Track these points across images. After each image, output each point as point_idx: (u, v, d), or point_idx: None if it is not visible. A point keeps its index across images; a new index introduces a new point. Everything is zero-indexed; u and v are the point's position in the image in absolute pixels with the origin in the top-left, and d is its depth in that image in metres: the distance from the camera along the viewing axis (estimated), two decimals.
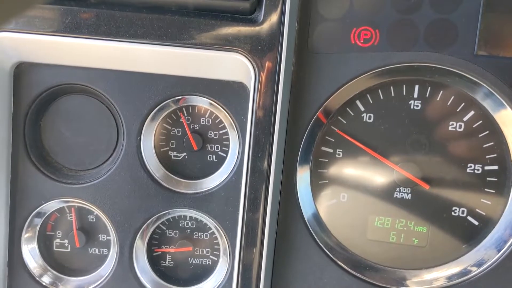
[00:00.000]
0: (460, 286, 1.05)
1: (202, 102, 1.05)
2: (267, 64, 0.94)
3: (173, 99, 1.02)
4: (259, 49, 0.93)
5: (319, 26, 0.99)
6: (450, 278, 1.07)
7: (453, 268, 1.07)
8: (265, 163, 0.97)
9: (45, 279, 1.11)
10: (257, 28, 0.93)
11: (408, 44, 0.98)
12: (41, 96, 1.03)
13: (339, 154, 1.08)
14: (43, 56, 0.99)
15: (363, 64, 0.99)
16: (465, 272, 1.06)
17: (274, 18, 0.93)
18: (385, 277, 1.09)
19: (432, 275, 1.09)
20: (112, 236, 1.08)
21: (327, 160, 1.09)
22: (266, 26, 0.93)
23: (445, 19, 0.96)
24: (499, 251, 1.03)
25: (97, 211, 1.06)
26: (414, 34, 0.97)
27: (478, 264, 1.05)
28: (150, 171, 1.05)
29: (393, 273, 1.10)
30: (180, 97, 1.03)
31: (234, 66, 0.96)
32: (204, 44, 0.94)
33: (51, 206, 1.09)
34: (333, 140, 1.08)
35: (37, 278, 1.10)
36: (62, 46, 0.95)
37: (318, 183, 1.09)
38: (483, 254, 1.05)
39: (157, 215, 1.06)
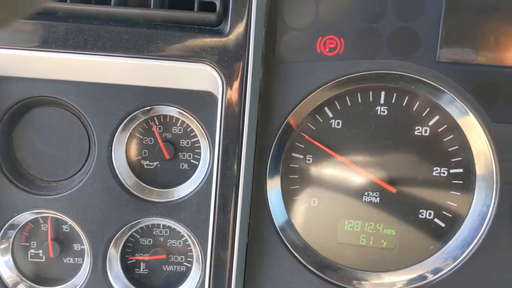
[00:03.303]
0: (427, 287, 1.08)
1: (172, 112, 1.07)
2: (234, 74, 0.96)
3: (142, 110, 1.03)
4: (226, 60, 0.95)
5: (285, 35, 1.01)
6: (421, 277, 1.10)
7: (420, 270, 1.10)
8: (235, 171, 0.99)
9: None
10: (224, 39, 0.95)
11: (372, 52, 1.00)
12: (13, 109, 1.04)
13: (309, 160, 1.11)
14: (13, 70, 1.00)
15: (329, 72, 1.01)
16: (434, 271, 1.09)
17: (240, 29, 0.95)
18: (354, 280, 1.11)
19: (401, 277, 1.11)
20: (86, 246, 1.09)
21: (297, 166, 1.11)
22: (232, 37, 0.95)
23: (407, 27, 0.99)
24: (463, 252, 1.06)
25: (70, 221, 1.07)
26: (378, 42, 1.00)
27: (443, 267, 1.08)
28: (122, 180, 1.06)
29: (363, 276, 1.12)
30: (151, 107, 1.04)
31: (202, 77, 0.98)
32: (172, 56, 0.95)
33: (24, 217, 1.09)
34: (303, 146, 1.10)
35: None
36: (32, 60, 0.96)
37: (289, 189, 1.12)
38: (448, 256, 1.08)
39: (129, 224, 1.07)
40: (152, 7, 0.96)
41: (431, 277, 1.08)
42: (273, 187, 1.10)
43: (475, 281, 1.05)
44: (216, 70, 0.95)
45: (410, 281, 1.10)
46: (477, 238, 1.05)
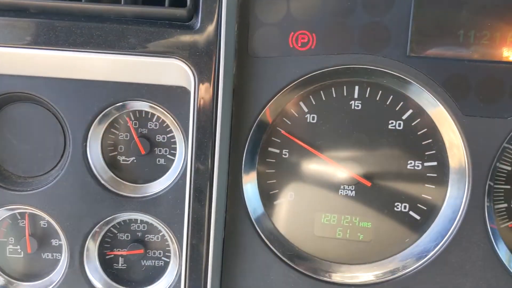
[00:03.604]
0: (402, 278, 1.09)
1: (147, 107, 1.07)
2: (206, 69, 0.96)
3: (116, 106, 1.04)
4: (197, 55, 0.96)
5: (258, 30, 1.02)
6: (396, 269, 1.11)
7: (395, 262, 1.11)
8: (209, 165, 1.00)
9: None
10: (195, 34, 0.95)
11: (343, 47, 1.01)
12: None
13: (285, 155, 1.11)
14: None
15: (301, 67, 1.02)
16: (409, 263, 1.10)
17: (210, 24, 0.95)
18: (330, 272, 1.12)
19: (377, 269, 1.13)
20: (63, 241, 1.10)
21: (274, 161, 1.12)
22: (203, 32, 0.95)
23: (377, 22, 1.00)
24: (437, 244, 1.07)
25: (46, 217, 1.08)
26: (349, 37, 1.00)
27: (417, 259, 1.09)
28: (97, 176, 1.07)
29: (339, 268, 1.13)
30: (124, 102, 1.05)
31: (174, 72, 0.98)
32: (143, 51, 0.96)
33: (0, 213, 1.10)
34: (279, 141, 1.11)
35: None
36: (4, 56, 0.97)
37: (265, 183, 1.12)
38: (423, 248, 1.09)
39: (106, 219, 1.08)
40: (122, 2, 0.97)
41: (405, 270, 1.09)
42: (249, 181, 1.11)
43: (448, 273, 1.06)
44: (187, 65, 0.96)
45: (386, 273, 1.11)
46: (450, 230, 1.06)
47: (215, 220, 1.03)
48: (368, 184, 1.09)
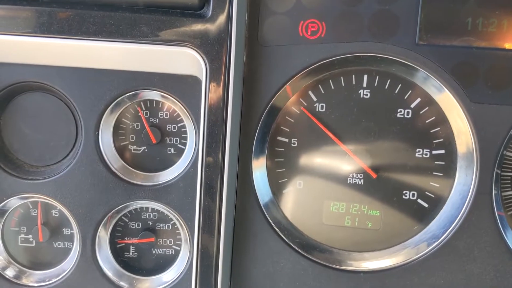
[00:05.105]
0: (412, 265, 1.10)
1: (158, 97, 1.08)
2: (217, 58, 0.97)
3: (128, 95, 1.05)
4: (209, 43, 0.96)
5: (268, 19, 1.02)
6: (404, 255, 1.12)
7: (404, 250, 1.12)
8: (219, 154, 1.01)
9: (9, 272, 1.14)
10: (206, 23, 0.96)
11: (353, 35, 1.02)
12: None
13: (294, 143, 1.12)
14: None
15: (311, 55, 1.03)
16: (417, 250, 1.11)
17: (222, 12, 0.96)
18: (340, 260, 1.13)
19: (385, 256, 1.13)
20: (75, 229, 1.11)
21: (283, 150, 1.13)
22: (214, 20, 0.96)
23: (387, 10, 1.00)
24: (445, 231, 1.08)
25: (58, 205, 1.09)
26: (358, 25, 1.01)
27: (426, 246, 1.09)
28: (109, 164, 1.08)
29: (348, 256, 1.14)
30: (137, 91, 1.06)
31: (186, 60, 0.99)
32: (155, 40, 0.96)
33: (13, 202, 1.11)
34: (288, 130, 1.12)
35: (0, 271, 1.13)
36: (16, 45, 0.97)
37: (275, 172, 1.13)
38: (431, 235, 1.10)
39: (117, 208, 1.09)
40: None
41: (414, 256, 1.10)
42: (259, 170, 1.12)
43: (456, 259, 1.07)
44: (199, 53, 0.97)
45: (394, 260, 1.12)
46: (458, 217, 1.07)
47: (225, 208, 1.03)
48: (374, 175, 1.10)
